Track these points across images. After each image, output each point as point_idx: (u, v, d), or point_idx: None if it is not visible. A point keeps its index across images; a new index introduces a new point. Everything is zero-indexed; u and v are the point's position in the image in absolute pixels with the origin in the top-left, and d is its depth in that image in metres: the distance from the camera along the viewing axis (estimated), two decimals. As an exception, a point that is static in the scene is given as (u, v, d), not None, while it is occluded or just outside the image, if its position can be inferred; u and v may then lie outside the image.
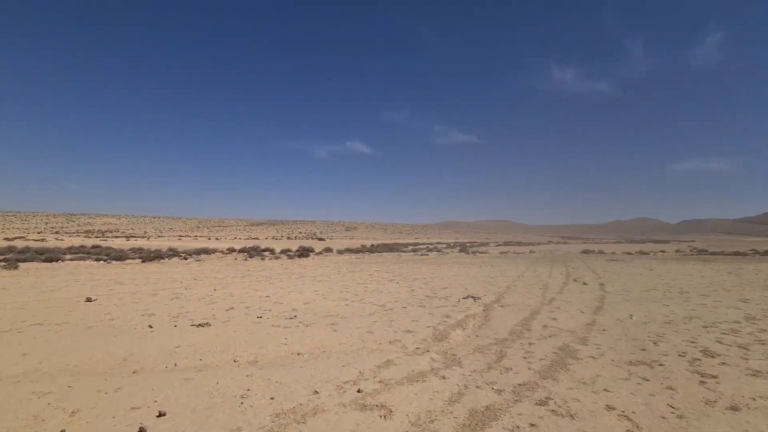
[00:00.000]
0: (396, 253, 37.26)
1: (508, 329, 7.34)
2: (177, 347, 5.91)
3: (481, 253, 39.50)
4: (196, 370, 4.98)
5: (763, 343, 6.30)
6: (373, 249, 41.80)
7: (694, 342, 6.37)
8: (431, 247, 51.01)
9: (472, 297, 10.76)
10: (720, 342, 6.40)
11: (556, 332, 7.12)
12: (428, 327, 7.36)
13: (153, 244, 45.20)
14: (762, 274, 17.65)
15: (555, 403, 4.07)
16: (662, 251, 43.38)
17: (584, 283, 13.80)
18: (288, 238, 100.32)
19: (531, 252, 41.05)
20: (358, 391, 4.30)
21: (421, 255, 34.26)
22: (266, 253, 30.43)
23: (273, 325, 7.38)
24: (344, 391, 4.29)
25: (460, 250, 41.61)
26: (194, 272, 16.87)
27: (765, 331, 7.17)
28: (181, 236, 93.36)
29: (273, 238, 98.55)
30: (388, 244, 54.25)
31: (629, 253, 38.83)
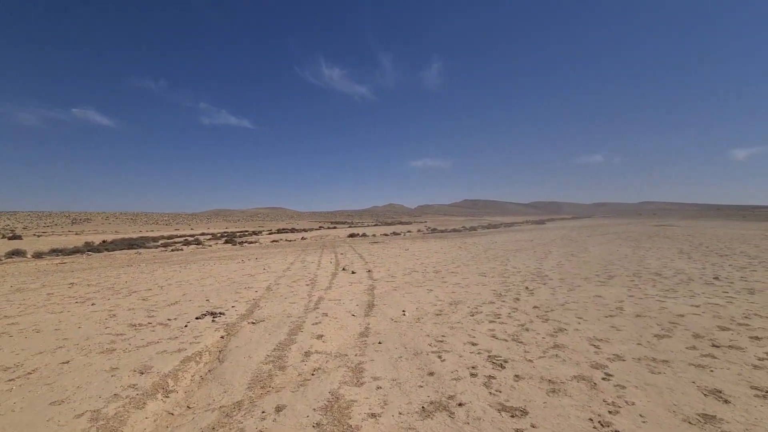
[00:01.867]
0: (136, 251, 28.80)
1: (249, 374, 4.53)
2: None
3: (251, 243, 35.72)
4: None
5: (527, 329, 5.87)
6: (102, 247, 31.21)
7: (475, 344, 5.30)
8: (191, 239, 43.21)
9: (212, 313, 7.42)
10: (494, 336, 5.60)
11: (321, 363, 4.81)
12: (79, 415, 3.65)
13: None
14: (480, 245, 21.78)
15: None
16: (409, 231, 51.22)
17: (353, 272, 12.68)
18: (-47, 238, 66.44)
19: (303, 239, 40.22)
20: None
21: (172, 251, 27.51)
22: None
23: None
24: None
25: (226, 241, 36.46)
26: None
27: (517, 310, 7.10)
28: None
29: None
30: (130, 240, 42.75)
31: (386, 235, 43.59)
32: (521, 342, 5.27)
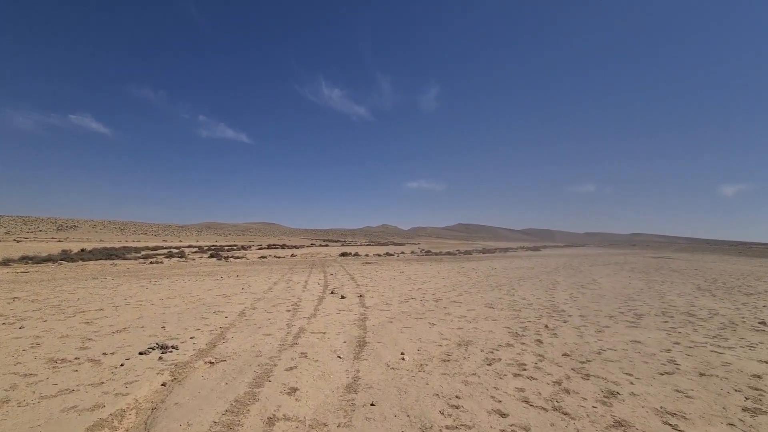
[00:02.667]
0: (112, 262, 26.95)
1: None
2: None
3: (237, 258, 33.99)
4: None
5: (567, 391, 4.45)
6: (77, 256, 29.35)
7: (504, 413, 3.87)
8: (175, 252, 41.39)
9: (163, 347, 5.91)
10: (527, 401, 4.17)
11: (289, 438, 3.35)
12: None
13: None
14: (479, 271, 20.38)
15: None
16: (402, 252, 49.76)
17: (342, 297, 11.20)
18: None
19: (292, 256, 38.57)
20: None
21: (150, 263, 25.73)
22: None
23: None
24: None
25: (211, 256, 34.67)
26: None
27: (543, 358, 5.69)
28: None
29: None
30: (111, 249, 40.74)
31: (379, 255, 42.10)
32: (567, 413, 3.86)
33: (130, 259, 30.79)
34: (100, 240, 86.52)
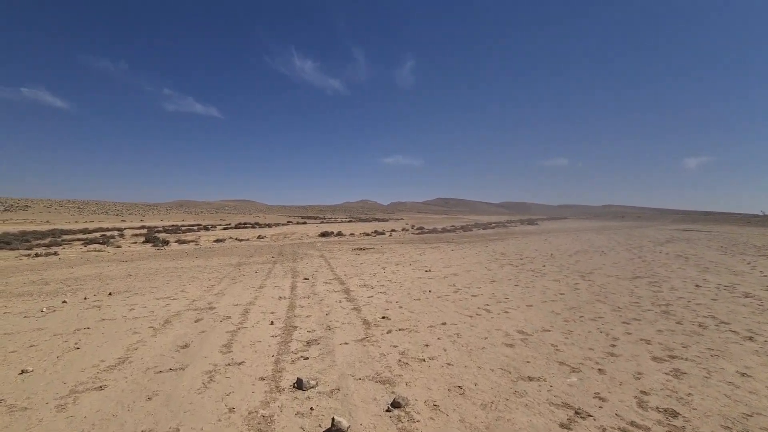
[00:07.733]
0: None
1: None
2: None
3: (185, 242, 25.83)
4: None
5: None
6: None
7: None
8: (107, 236, 32.57)
9: None
10: None
11: None
12: None
13: None
14: (534, 259, 13.16)
15: None
16: (393, 230, 42.36)
17: (336, 429, 3.60)
18: None
19: (259, 237, 30.50)
20: None
21: (36, 256, 17.33)
22: None
23: None
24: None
25: (146, 241, 26.27)
26: None
27: None
28: None
29: None
30: (25, 234, 31.71)
31: (367, 234, 34.73)
32: None
33: (18, 249, 21.97)
34: (47, 221, 75.11)
